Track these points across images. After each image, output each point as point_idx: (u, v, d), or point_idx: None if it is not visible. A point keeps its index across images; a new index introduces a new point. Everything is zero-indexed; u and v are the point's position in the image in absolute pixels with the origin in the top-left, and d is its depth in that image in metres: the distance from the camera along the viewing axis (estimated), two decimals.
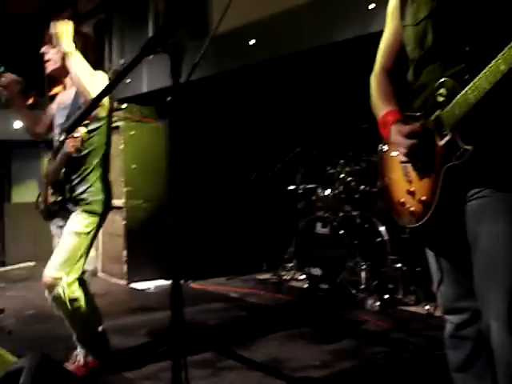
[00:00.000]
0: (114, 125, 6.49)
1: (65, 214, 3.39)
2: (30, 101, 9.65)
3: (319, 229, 5.42)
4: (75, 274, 3.33)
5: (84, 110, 1.46)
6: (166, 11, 7.25)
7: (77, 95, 3.31)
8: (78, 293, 3.35)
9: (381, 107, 2.12)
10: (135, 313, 5.02)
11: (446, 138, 1.83)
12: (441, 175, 1.85)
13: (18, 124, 9.27)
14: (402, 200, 2.06)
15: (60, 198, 3.34)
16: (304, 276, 5.49)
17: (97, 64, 3.31)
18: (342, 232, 5.13)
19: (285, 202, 6.43)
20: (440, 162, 1.86)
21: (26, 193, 9.49)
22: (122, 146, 6.39)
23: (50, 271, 3.29)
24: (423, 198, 1.95)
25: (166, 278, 5.23)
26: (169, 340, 1.64)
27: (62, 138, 3.16)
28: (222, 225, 6.60)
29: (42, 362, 2.42)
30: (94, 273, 6.89)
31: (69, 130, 1.52)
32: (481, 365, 2.02)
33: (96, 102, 1.46)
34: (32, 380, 2.27)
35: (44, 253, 7.90)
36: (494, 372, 1.90)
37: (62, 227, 3.43)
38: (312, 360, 3.67)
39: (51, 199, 3.39)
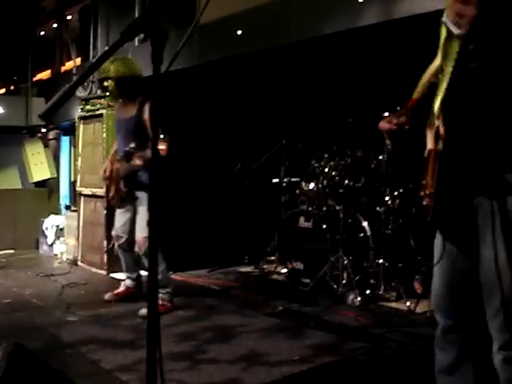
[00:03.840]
0: (98, 112, 6.46)
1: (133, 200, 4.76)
2: (12, 87, 9.52)
3: (302, 222, 5.39)
4: None
5: (60, 96, 1.40)
6: None
7: (137, 114, 4.65)
8: None
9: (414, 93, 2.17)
10: (115, 303, 4.96)
11: (435, 127, 1.87)
12: (435, 166, 1.88)
13: None
14: (423, 193, 2.06)
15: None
16: (286, 270, 5.47)
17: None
18: (324, 226, 5.11)
19: (268, 195, 6.40)
20: (433, 151, 1.89)
21: (7, 179, 9.38)
22: (104, 135, 6.32)
23: (142, 233, 4.57)
24: (427, 191, 1.96)
25: (143, 269, 5.18)
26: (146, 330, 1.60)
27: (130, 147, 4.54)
28: (204, 216, 6.54)
29: (15, 351, 2.35)
30: (74, 262, 6.83)
31: (44, 115, 1.47)
32: (465, 371, 2.03)
33: (73, 88, 1.41)
34: (4, 370, 2.22)
35: (23, 240, 7.91)
36: (477, 380, 1.95)
37: (127, 210, 4.84)
38: (292, 354, 3.64)
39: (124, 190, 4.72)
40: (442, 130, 1.84)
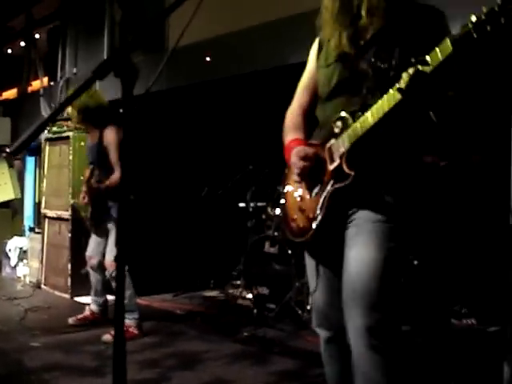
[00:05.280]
0: (65, 135, 6.43)
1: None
2: None
3: (268, 248, 5.42)
4: None
5: (31, 134, 1.43)
6: (121, 22, 7.20)
7: (99, 141, 4.73)
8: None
9: (289, 135, 2.39)
10: (78, 328, 4.92)
11: (335, 164, 2.10)
12: (327, 196, 2.12)
13: None
14: (295, 217, 2.31)
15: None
16: (251, 295, 5.48)
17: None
18: (290, 252, 5.15)
19: (235, 220, 6.42)
20: (327, 184, 2.13)
21: None
22: (70, 157, 6.29)
23: (111, 256, 4.66)
24: (310, 215, 2.19)
25: (111, 293, 5.15)
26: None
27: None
28: (169, 240, 6.53)
29: None
30: (38, 285, 6.74)
31: (15, 151, 1.49)
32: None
33: (43, 125, 1.43)
34: None
35: None
36: None
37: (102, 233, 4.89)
38: (257, 381, 3.67)
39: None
40: (345, 167, 2.07)
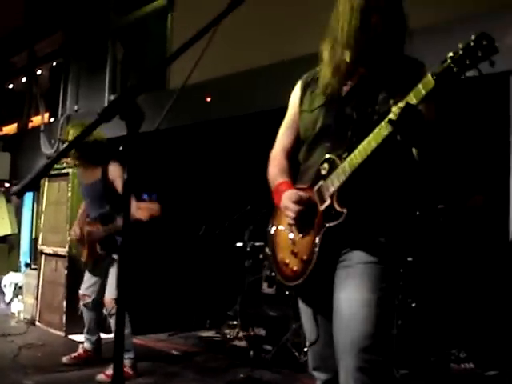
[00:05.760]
0: (64, 171, 6.44)
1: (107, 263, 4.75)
2: None
3: (265, 288, 5.38)
4: None
5: (35, 176, 1.44)
6: (123, 60, 7.29)
7: (103, 177, 4.70)
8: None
9: (276, 178, 2.43)
10: (72, 367, 4.85)
11: (326, 204, 2.14)
12: (320, 237, 2.14)
13: None
14: (287, 261, 2.31)
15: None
16: (247, 336, 5.43)
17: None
18: (287, 293, 5.11)
19: (232, 259, 6.39)
20: (320, 224, 2.15)
21: None
22: (69, 194, 6.29)
23: (111, 295, 4.59)
24: (304, 257, 2.21)
25: (106, 331, 5.11)
26: None
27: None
28: (166, 278, 6.49)
29: None
30: (32, 322, 6.67)
31: (19, 193, 1.49)
32: None
33: (47, 168, 1.44)
34: None
35: None
36: None
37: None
38: None
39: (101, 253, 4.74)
40: (337, 206, 2.11)
